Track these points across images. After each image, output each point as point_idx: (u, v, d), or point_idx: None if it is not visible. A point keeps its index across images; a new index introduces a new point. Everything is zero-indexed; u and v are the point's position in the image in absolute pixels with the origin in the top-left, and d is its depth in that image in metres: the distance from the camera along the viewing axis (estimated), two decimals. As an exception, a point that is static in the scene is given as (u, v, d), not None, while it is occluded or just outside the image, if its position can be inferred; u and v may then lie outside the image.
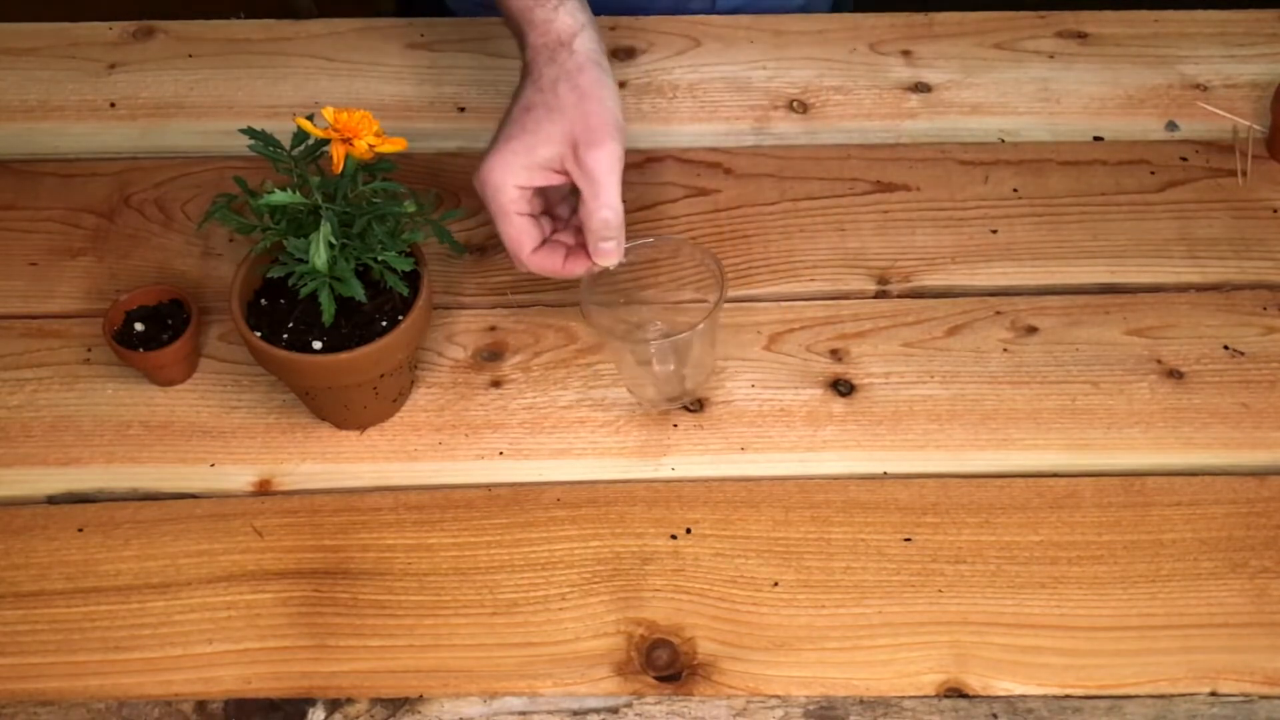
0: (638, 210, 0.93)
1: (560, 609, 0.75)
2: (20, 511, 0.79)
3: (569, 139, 0.77)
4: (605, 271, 0.80)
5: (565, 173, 0.78)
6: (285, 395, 0.84)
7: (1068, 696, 0.72)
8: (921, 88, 1.01)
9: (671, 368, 0.81)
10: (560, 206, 0.84)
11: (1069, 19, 1.06)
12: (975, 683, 0.72)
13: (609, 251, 0.78)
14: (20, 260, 0.92)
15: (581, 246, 0.80)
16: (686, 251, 0.84)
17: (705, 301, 0.81)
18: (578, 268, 0.80)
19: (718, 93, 1.01)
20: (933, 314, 0.88)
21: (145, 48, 1.05)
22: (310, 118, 0.75)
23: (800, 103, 1.00)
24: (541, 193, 0.82)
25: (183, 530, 0.78)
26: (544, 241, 0.81)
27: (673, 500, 0.79)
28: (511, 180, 0.78)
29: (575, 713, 0.72)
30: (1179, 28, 1.05)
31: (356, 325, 0.77)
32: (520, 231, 0.79)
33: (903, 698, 0.72)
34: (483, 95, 1.01)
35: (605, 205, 0.77)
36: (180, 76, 1.03)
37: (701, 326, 0.78)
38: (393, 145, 0.74)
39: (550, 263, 0.80)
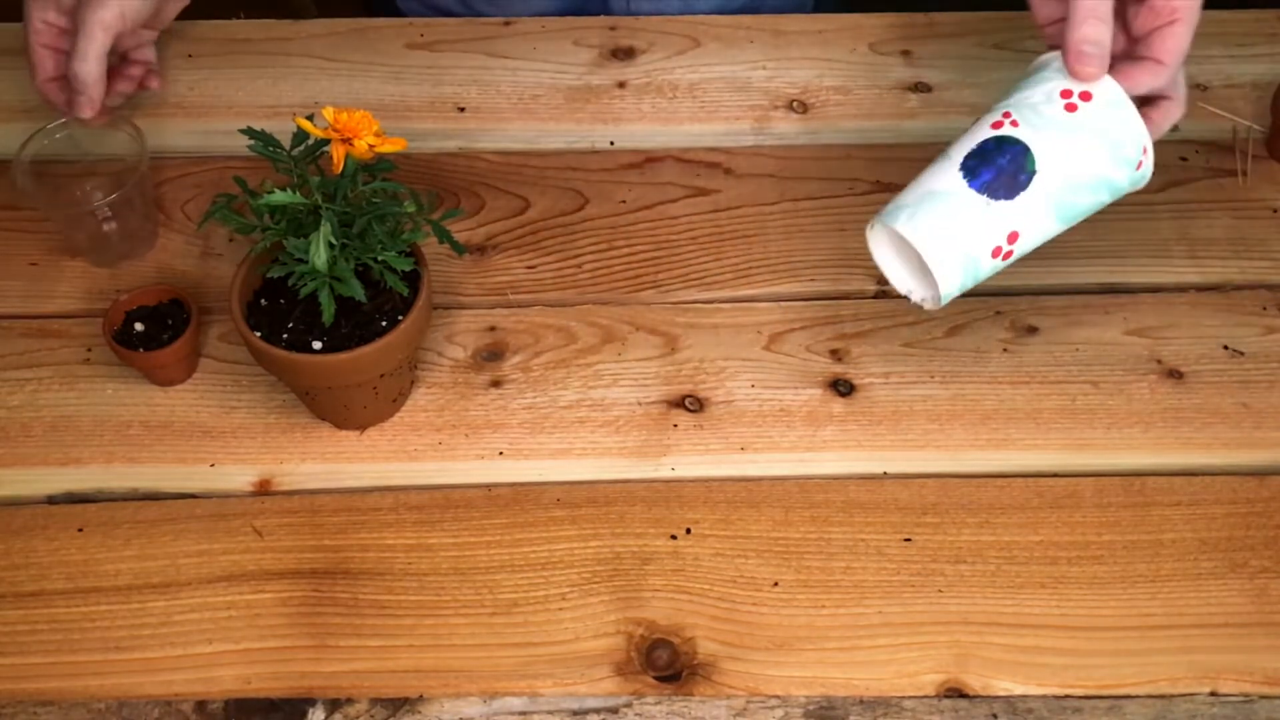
0: (638, 210, 0.93)
1: (560, 609, 0.75)
2: (20, 511, 0.79)
3: None
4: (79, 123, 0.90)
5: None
6: (285, 395, 0.84)
7: (1068, 696, 0.72)
8: (921, 88, 1.01)
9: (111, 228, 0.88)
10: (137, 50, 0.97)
11: (1069, 19, 1.06)
12: (975, 683, 0.72)
13: (81, 105, 0.89)
14: (20, 260, 0.92)
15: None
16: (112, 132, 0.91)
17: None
18: (79, 110, 0.89)
19: (718, 93, 1.01)
20: (933, 314, 0.88)
21: (145, 48, 1.05)
22: (310, 118, 0.75)
23: (800, 103, 1.00)
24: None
25: (183, 530, 0.78)
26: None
27: (673, 500, 0.79)
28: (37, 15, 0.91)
29: (575, 713, 0.72)
30: (1179, 28, 1.05)
31: (356, 325, 0.77)
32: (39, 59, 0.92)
33: (903, 698, 0.72)
34: (483, 95, 1.01)
35: (79, 57, 0.88)
36: (180, 76, 1.03)
37: (116, 196, 0.86)
38: (393, 145, 0.74)
39: (58, 98, 0.92)
